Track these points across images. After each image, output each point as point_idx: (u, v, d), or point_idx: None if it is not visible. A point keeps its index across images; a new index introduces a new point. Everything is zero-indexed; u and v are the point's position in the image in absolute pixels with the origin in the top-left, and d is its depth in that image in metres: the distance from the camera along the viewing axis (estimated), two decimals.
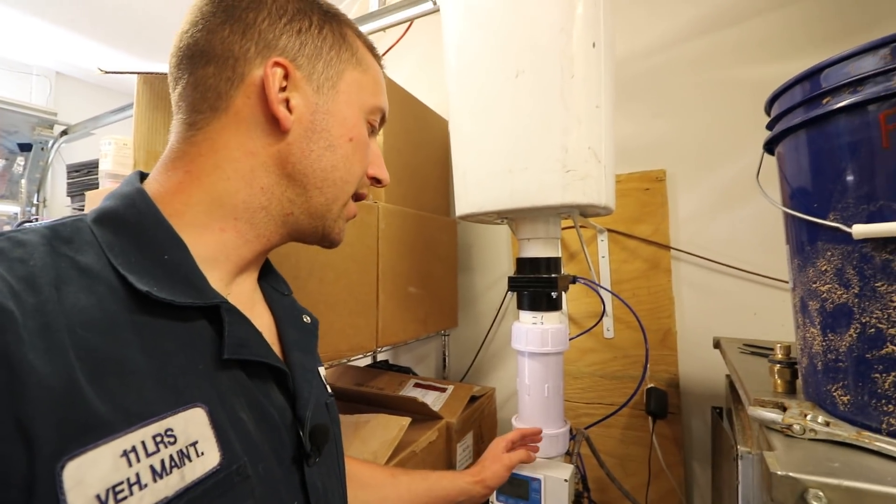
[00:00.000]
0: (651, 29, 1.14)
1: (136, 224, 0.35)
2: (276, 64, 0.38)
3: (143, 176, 0.40)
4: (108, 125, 1.64)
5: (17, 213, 1.82)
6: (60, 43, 1.89)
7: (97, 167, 1.32)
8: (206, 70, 0.38)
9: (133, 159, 0.88)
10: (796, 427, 0.38)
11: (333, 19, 0.43)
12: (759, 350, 0.74)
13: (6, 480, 0.23)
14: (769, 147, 0.49)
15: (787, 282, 0.95)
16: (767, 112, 0.49)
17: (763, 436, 0.41)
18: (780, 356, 0.52)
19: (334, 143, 0.42)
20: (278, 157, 0.40)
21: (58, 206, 1.89)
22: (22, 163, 1.79)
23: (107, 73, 0.76)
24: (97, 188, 1.36)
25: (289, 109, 0.39)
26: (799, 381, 0.50)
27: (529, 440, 0.75)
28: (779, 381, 0.51)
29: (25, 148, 1.77)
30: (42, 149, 1.79)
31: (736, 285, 1.02)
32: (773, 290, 0.98)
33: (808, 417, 0.39)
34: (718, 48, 1.06)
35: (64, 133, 1.79)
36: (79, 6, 1.68)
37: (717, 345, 0.86)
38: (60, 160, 1.77)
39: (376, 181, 0.50)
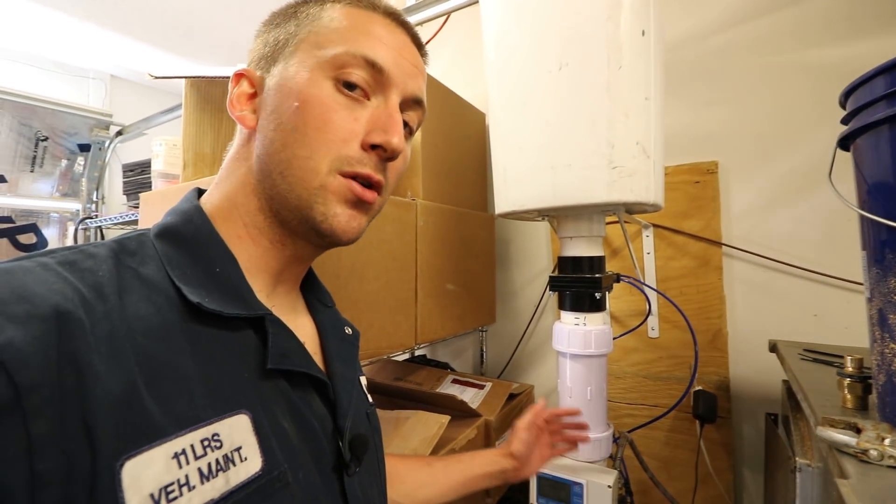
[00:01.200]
0: (704, 9, 1.07)
1: (192, 239, 0.37)
2: (238, 75, 0.41)
3: (200, 192, 0.43)
4: (160, 125, 1.72)
5: (78, 210, 1.95)
6: (114, 47, 1.99)
7: (150, 166, 1.39)
8: None
9: (182, 160, 0.91)
10: (873, 453, 0.35)
11: (305, 4, 0.42)
12: (822, 357, 0.69)
13: (71, 476, 0.24)
14: (844, 143, 0.45)
15: (852, 281, 0.89)
16: (842, 105, 0.45)
17: (833, 458, 0.38)
18: (851, 369, 0.48)
19: (282, 119, 0.38)
20: (257, 156, 0.41)
21: (115, 204, 2.00)
22: (82, 162, 1.91)
23: (157, 77, 0.79)
24: (150, 187, 1.43)
25: (255, 111, 0.41)
26: (872, 398, 0.46)
27: (563, 425, 0.73)
28: (849, 397, 0.47)
29: (84, 148, 1.89)
30: (99, 149, 1.90)
31: (794, 284, 0.96)
32: (836, 290, 0.91)
33: (887, 442, 0.36)
34: (778, 29, 0.99)
35: (119, 133, 1.88)
36: (131, 12, 1.76)
37: (773, 348, 0.81)
38: (116, 159, 1.88)
39: (382, 150, 0.39)
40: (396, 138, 0.39)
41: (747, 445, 1.00)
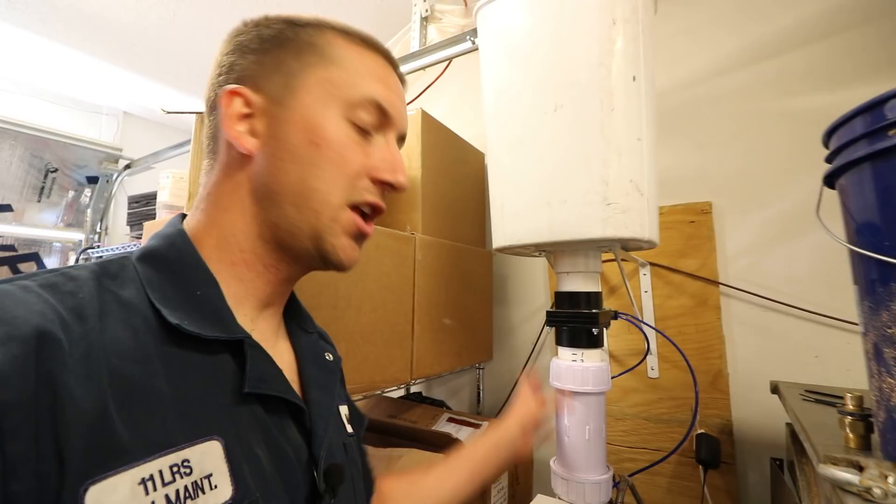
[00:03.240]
0: (693, 60, 1.12)
1: (174, 262, 0.37)
2: (231, 93, 0.39)
3: (184, 217, 0.43)
4: (167, 160, 1.77)
5: (81, 241, 1.96)
6: (128, 85, 2.08)
7: (155, 198, 1.41)
8: (211, 117, 0.43)
9: (188, 192, 0.93)
10: (877, 491, 0.34)
11: (303, 29, 0.42)
12: (824, 398, 0.67)
13: (41, 499, 0.24)
14: (829, 181, 0.47)
15: (852, 322, 0.89)
16: (825, 144, 0.47)
17: (836, 497, 0.37)
18: (851, 407, 0.47)
19: (297, 152, 0.39)
20: (256, 182, 0.40)
21: (118, 234, 2.02)
22: (88, 194, 1.95)
23: (169, 112, 0.82)
24: (154, 218, 1.45)
25: (255, 134, 0.40)
26: (875, 437, 0.45)
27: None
28: (851, 436, 0.46)
29: (92, 180, 1.93)
30: (107, 181, 1.95)
31: (794, 325, 0.95)
32: (837, 332, 0.91)
33: (891, 480, 0.35)
34: (761, 80, 1.04)
35: (127, 167, 1.93)
36: (144, 52, 1.85)
37: (775, 389, 0.79)
38: (123, 191, 1.91)
39: (388, 186, 0.44)
40: (402, 176, 0.44)
41: (753, 493, 0.96)
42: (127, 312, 0.32)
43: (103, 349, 0.29)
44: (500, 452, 0.64)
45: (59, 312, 0.28)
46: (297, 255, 0.42)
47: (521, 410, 0.67)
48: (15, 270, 1.70)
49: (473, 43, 1.00)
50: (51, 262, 1.90)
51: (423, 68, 1.11)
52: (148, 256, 0.37)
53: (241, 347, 0.36)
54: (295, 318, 0.49)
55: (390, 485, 0.59)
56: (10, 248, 1.76)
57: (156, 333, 0.32)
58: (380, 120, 0.43)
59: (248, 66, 0.41)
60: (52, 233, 1.89)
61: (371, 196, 0.43)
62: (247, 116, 0.40)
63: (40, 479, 0.24)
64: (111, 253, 1.68)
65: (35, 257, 1.84)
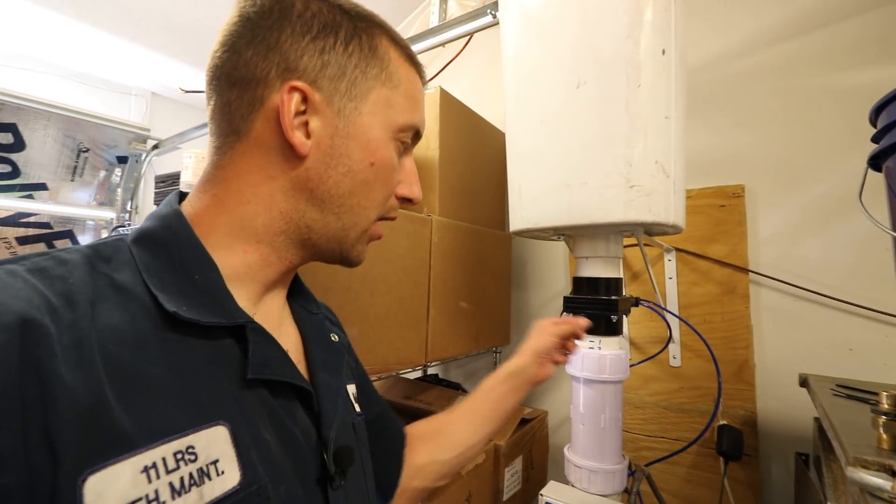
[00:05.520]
0: (730, 33, 1.05)
1: (170, 244, 0.35)
2: (294, 88, 0.37)
3: (182, 196, 0.41)
4: (193, 139, 1.79)
5: (112, 219, 2.03)
6: (156, 66, 2.11)
7: (180, 178, 1.44)
8: (231, 93, 0.38)
9: None
10: None
11: (364, 31, 0.40)
12: (856, 393, 0.64)
13: (34, 491, 0.23)
14: (875, 162, 0.43)
15: (889, 314, 0.84)
16: (872, 123, 0.43)
17: (865, 503, 0.35)
18: (886, 406, 0.44)
19: (354, 167, 0.40)
20: (297, 182, 0.38)
21: (147, 213, 2.08)
22: (119, 174, 2.00)
23: (187, 91, 0.82)
24: None
25: (308, 134, 0.38)
26: None
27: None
28: (885, 437, 0.43)
29: (122, 160, 1.98)
30: (136, 161, 1.99)
31: (828, 316, 0.90)
32: (873, 323, 0.86)
33: None
34: (805, 53, 0.96)
35: (155, 147, 1.97)
36: (171, 33, 1.86)
37: (804, 382, 0.76)
38: (151, 171, 1.96)
39: (407, 200, 0.47)
40: (418, 189, 0.47)
41: (776, 487, 0.94)
42: (123, 297, 0.31)
43: (98, 336, 0.28)
44: (516, 380, 0.64)
45: (46, 298, 0.27)
46: (320, 253, 0.43)
47: (533, 339, 0.66)
48: (50, 246, 1.78)
49: (494, 17, 0.96)
50: (84, 240, 1.97)
51: (442, 44, 1.08)
52: (143, 238, 0.35)
53: (244, 332, 0.35)
54: (299, 299, 0.49)
55: (418, 429, 0.61)
56: (47, 225, 1.83)
57: (154, 319, 0.31)
58: (414, 142, 0.46)
59: (309, 61, 0.37)
60: (85, 211, 1.95)
61: (395, 211, 0.46)
62: (300, 113, 0.38)
63: (31, 470, 0.23)
64: None
65: (70, 234, 1.91)
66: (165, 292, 0.32)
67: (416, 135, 0.46)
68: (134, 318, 0.30)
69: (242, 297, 0.38)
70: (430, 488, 0.61)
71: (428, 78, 0.69)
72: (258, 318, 0.38)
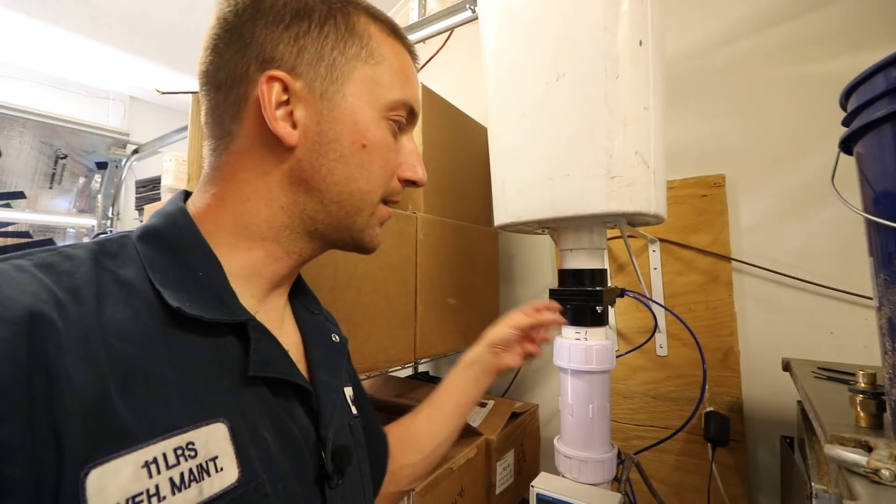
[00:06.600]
0: (707, 24, 1.06)
1: (175, 241, 0.36)
2: (272, 78, 0.36)
3: (187, 195, 0.42)
4: (173, 143, 1.77)
5: (93, 226, 1.99)
6: (133, 70, 2.07)
7: (160, 182, 1.42)
8: (219, 96, 0.38)
9: (187, 173, 0.93)
10: (885, 472, 0.33)
11: (339, 10, 0.39)
12: (836, 375, 0.65)
13: (39, 483, 0.23)
14: (846, 145, 0.43)
15: (870, 298, 0.85)
16: (843, 106, 0.43)
17: (843, 479, 0.36)
18: (863, 384, 0.45)
19: (345, 152, 0.39)
20: (291, 174, 0.38)
21: (129, 219, 2.05)
22: (99, 180, 1.97)
23: (164, 93, 0.81)
24: (160, 201, 1.45)
25: (294, 124, 0.37)
26: (887, 416, 0.43)
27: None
28: (862, 415, 0.44)
29: (102, 166, 1.95)
30: (116, 166, 1.96)
31: (809, 301, 0.92)
32: (853, 307, 0.88)
33: None
34: (780, 42, 0.97)
35: (135, 152, 1.94)
36: (146, 35, 1.83)
37: (786, 367, 0.77)
38: (132, 176, 1.93)
39: (411, 183, 0.46)
40: (422, 171, 0.46)
41: (763, 470, 0.95)
42: (127, 293, 0.31)
43: (102, 331, 0.28)
44: (474, 370, 0.65)
45: (53, 293, 0.27)
46: (331, 242, 0.43)
47: (491, 330, 0.68)
48: None
49: (473, 11, 0.96)
50: None
51: (422, 41, 1.08)
52: (148, 235, 0.36)
53: (245, 330, 0.35)
54: (300, 299, 0.49)
55: (390, 433, 0.62)
56: (26, 234, 1.79)
57: (158, 315, 0.31)
58: (408, 120, 0.45)
59: (285, 49, 0.37)
60: (64, 219, 1.92)
61: (398, 193, 0.46)
62: (283, 104, 0.37)
63: (37, 463, 0.23)
64: None
65: (50, 243, 1.88)
66: (169, 289, 0.33)
67: (412, 112, 0.44)
68: (138, 314, 0.30)
69: (246, 295, 0.38)
70: (406, 491, 0.62)
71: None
72: (261, 317, 0.38)
